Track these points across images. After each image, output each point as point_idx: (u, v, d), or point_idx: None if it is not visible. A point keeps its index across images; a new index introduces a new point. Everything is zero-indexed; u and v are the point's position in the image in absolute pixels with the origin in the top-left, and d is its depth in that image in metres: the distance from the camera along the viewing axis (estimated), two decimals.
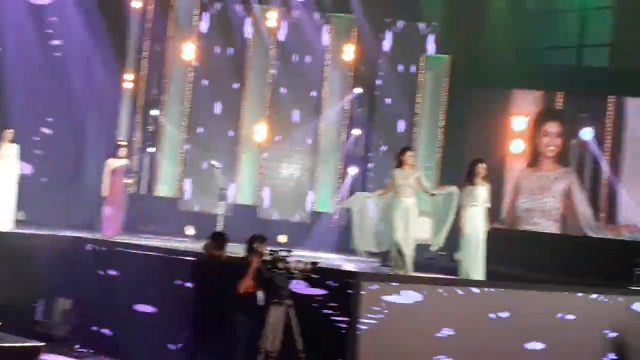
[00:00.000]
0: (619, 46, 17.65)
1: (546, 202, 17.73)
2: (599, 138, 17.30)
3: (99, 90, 17.49)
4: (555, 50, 18.95)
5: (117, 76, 18.17)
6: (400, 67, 18.56)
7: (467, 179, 11.98)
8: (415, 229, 11.68)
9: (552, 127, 17.91)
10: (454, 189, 11.96)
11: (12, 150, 13.97)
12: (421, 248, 15.35)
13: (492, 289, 10.74)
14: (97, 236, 13.87)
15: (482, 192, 11.92)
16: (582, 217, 17.43)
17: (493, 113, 18.17)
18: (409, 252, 11.64)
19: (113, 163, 14.63)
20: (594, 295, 11.51)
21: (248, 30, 18.61)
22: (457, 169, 17.98)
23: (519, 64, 18.22)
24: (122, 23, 18.01)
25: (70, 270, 12.54)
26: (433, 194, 11.96)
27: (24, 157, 14.65)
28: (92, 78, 17.43)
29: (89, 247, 12.55)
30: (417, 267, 12.45)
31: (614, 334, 11.41)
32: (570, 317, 11.14)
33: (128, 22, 18.28)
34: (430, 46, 18.48)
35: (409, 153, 11.88)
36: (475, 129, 18.10)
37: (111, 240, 13.35)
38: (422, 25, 18.49)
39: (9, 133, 14.00)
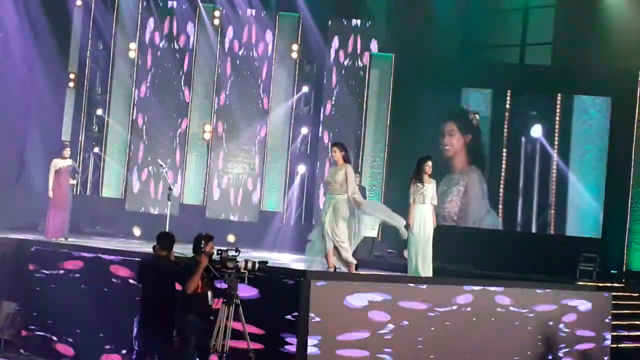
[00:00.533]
0: (560, 45, 17.94)
1: (445, 207, 17.88)
2: (549, 135, 17.55)
3: (41, 90, 17.18)
4: (499, 48, 19.21)
5: (60, 75, 17.88)
6: (346, 66, 18.60)
7: (415, 177, 12.06)
8: (343, 225, 11.50)
9: (447, 126, 18.09)
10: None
11: None
12: (369, 246, 15.48)
13: (439, 285, 10.90)
14: (42, 238, 13.67)
15: (429, 189, 12.02)
16: (474, 214, 17.79)
17: (439, 111, 18.31)
18: (344, 246, 11.54)
19: (58, 163, 14.45)
20: (540, 291, 11.74)
21: (194, 28, 18.49)
22: (403, 168, 18.14)
23: (463, 62, 18.42)
24: (64, 21, 17.70)
25: (15, 273, 12.33)
26: (354, 197, 11.74)
27: None
28: (33, 77, 17.10)
29: (33, 249, 12.34)
30: (366, 264, 12.51)
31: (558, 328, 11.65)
32: (517, 311, 11.33)
33: (71, 20, 18.00)
34: (375, 45, 18.55)
35: (333, 149, 11.81)
36: (422, 127, 18.23)
37: (57, 242, 13.15)
38: (367, 24, 18.55)
39: None
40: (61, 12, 17.41)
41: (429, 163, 12.08)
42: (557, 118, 17.52)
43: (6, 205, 16.00)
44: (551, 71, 17.95)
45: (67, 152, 14.69)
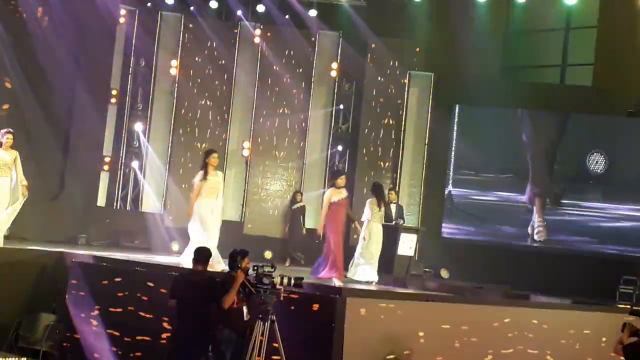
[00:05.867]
0: (601, 65, 17.79)
1: None
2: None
3: (84, 106, 17.35)
4: (539, 68, 19.12)
5: (103, 91, 18.07)
6: (384, 85, 18.61)
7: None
8: None
9: None
10: None
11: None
12: (405, 264, 15.45)
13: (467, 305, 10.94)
14: (80, 251, 13.75)
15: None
16: None
17: (477, 130, 18.25)
18: None
19: (334, 195, 12.87)
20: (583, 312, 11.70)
21: (235, 46, 18.62)
22: (440, 187, 18.14)
23: (502, 82, 18.35)
24: (108, 37, 17.90)
25: (55, 285, 12.48)
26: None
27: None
28: (76, 92, 17.28)
29: (73, 262, 12.47)
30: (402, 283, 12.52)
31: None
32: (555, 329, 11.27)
33: (113, 38, 18.20)
34: (415, 64, 18.56)
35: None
36: (459, 146, 18.19)
37: (96, 255, 13.22)
38: (406, 43, 18.56)
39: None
40: (104, 28, 17.57)
41: None
42: None
43: (46, 218, 16.15)
44: (592, 92, 17.81)
45: (341, 181, 12.77)
